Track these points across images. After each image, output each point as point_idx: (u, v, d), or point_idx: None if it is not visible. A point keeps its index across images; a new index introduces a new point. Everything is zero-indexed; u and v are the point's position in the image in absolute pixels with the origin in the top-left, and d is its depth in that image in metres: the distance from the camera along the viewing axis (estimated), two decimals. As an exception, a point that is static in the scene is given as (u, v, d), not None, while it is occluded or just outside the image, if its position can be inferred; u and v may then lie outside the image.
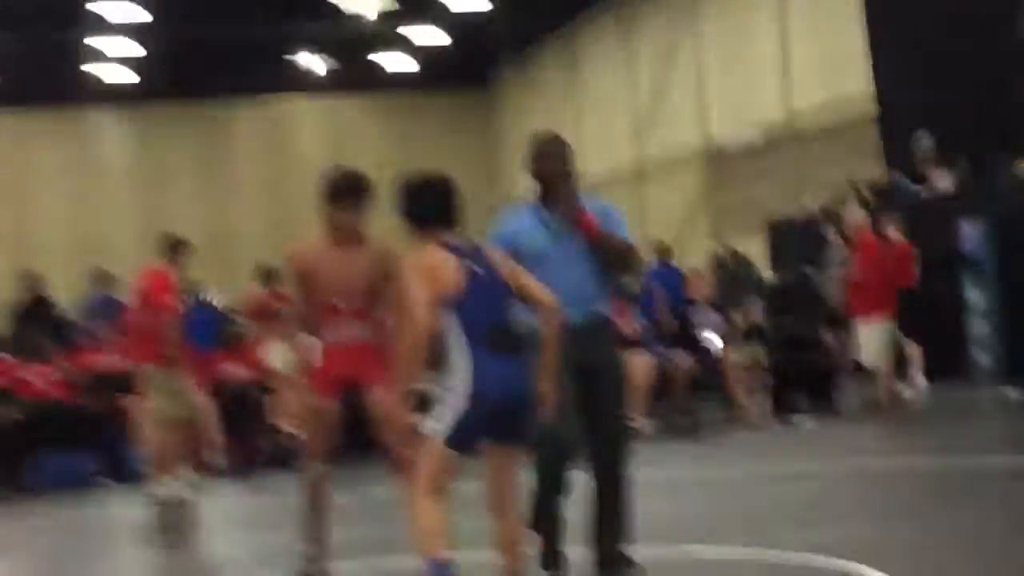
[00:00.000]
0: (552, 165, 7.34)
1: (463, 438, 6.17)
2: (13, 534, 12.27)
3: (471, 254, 6.38)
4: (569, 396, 7.00)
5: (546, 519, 7.24)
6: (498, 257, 6.53)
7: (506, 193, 42.90)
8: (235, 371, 16.28)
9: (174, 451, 12.06)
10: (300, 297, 7.97)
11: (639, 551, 7.39)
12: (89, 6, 30.93)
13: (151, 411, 12.67)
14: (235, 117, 43.24)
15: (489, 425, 6.19)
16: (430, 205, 6.53)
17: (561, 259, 7.20)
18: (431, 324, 6.23)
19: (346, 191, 7.86)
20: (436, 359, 6.40)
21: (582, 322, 7.17)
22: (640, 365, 15.84)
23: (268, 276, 19.36)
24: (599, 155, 36.29)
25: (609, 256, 7.29)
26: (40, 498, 14.12)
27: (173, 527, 11.09)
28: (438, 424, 6.18)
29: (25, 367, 16.39)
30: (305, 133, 43.30)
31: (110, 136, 42.21)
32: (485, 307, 6.25)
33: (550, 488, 7.17)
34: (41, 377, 15.96)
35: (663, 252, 19.50)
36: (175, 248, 12.38)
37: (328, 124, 43.52)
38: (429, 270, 6.26)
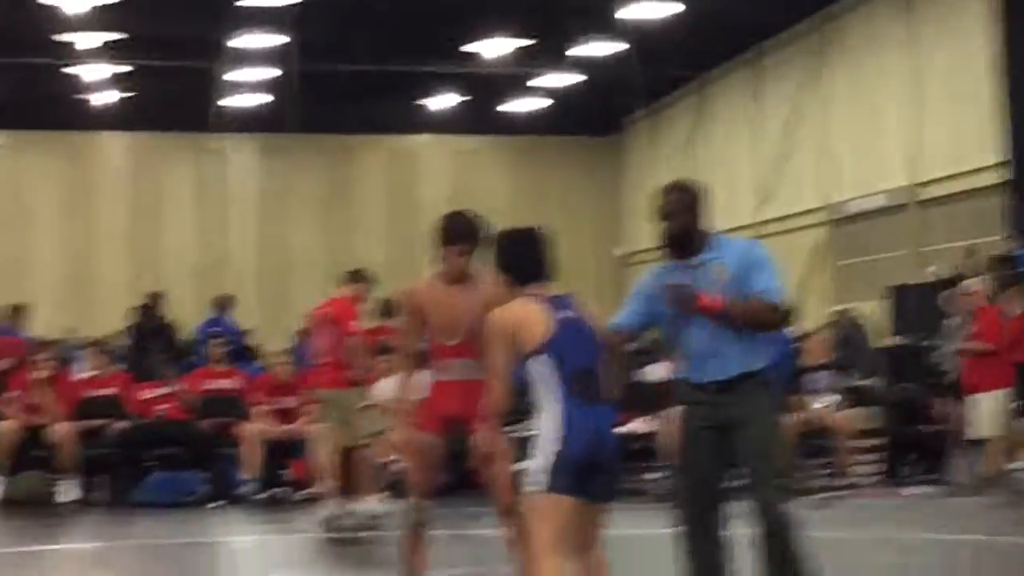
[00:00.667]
0: (673, 221, 7.22)
1: (558, 482, 6.19)
2: (118, 551, 12.44)
3: (561, 303, 6.46)
4: (703, 456, 7.04)
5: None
6: (590, 310, 6.61)
7: (634, 241, 42.92)
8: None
9: (347, 474, 13.06)
10: (411, 334, 8.08)
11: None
12: (228, 39, 31.39)
13: (328, 434, 13.18)
14: (360, 151, 43.68)
15: (577, 474, 6.21)
16: (524, 258, 6.64)
17: (694, 318, 7.09)
18: (507, 388, 6.40)
19: (459, 234, 7.96)
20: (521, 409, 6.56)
21: (720, 380, 7.09)
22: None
23: (387, 310, 19.55)
24: (720, 211, 36.09)
25: (746, 324, 7.07)
26: (145, 514, 14.31)
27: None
28: (534, 477, 6.22)
29: (140, 384, 16.67)
30: (430, 172, 43.59)
31: (237, 163, 42.83)
32: (572, 354, 6.32)
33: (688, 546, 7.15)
34: (154, 395, 16.20)
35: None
36: (359, 278, 13.01)
37: (454, 164, 43.81)
38: (516, 321, 6.35)
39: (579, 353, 6.36)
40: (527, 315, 6.37)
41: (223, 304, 21.95)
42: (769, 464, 7.10)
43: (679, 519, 7.18)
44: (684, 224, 7.20)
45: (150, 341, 19.32)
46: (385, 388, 16.03)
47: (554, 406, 6.25)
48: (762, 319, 7.14)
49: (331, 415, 13.38)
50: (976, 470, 16.32)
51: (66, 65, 34.24)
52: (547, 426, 6.24)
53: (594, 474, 6.27)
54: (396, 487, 15.26)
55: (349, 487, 13.32)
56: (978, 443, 15.62)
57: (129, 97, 37.78)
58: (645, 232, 41.57)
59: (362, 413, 13.17)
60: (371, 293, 13.77)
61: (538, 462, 6.22)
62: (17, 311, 20.11)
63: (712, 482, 7.13)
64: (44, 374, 15.51)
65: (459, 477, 14.59)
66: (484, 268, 7.94)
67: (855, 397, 17.16)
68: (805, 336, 18.11)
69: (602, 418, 6.35)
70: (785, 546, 7.01)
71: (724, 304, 7.02)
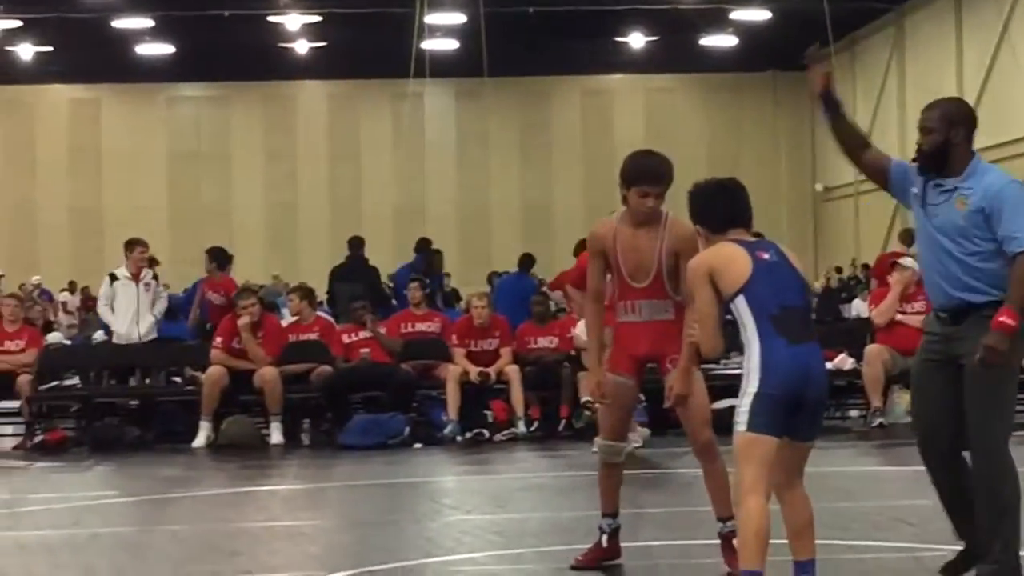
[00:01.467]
0: (928, 136, 7.00)
1: (763, 421, 6.17)
2: (324, 492, 12.69)
3: (761, 246, 6.46)
4: (931, 391, 7.00)
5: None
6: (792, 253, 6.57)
7: (832, 176, 42.32)
8: (544, 342, 16.47)
9: None
10: (596, 275, 8.02)
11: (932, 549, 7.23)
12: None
13: None
14: (554, 93, 43.68)
15: (779, 412, 6.19)
16: (720, 208, 6.62)
17: (929, 234, 6.97)
18: (713, 331, 6.39)
19: (640, 175, 7.85)
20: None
21: (944, 307, 6.96)
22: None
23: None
24: (922, 142, 35.47)
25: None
26: (350, 456, 14.55)
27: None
28: (738, 416, 6.22)
29: (341, 328, 16.92)
30: (625, 111, 43.44)
31: (434, 108, 43.10)
32: (775, 293, 6.28)
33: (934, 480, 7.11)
34: (356, 339, 16.42)
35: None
36: None
37: (648, 103, 43.59)
38: (715, 263, 6.32)
39: (781, 292, 6.33)
40: (726, 257, 6.37)
41: (424, 248, 22.14)
42: (984, 409, 6.86)
43: (920, 451, 7.15)
44: (937, 142, 6.97)
45: (353, 286, 19.59)
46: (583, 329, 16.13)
47: (756, 345, 6.25)
48: None
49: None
50: None
51: (269, 14, 34.82)
52: (750, 365, 6.26)
53: (798, 412, 6.25)
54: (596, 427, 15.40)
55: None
56: None
57: (327, 45, 38.28)
58: (843, 168, 40.99)
59: None
60: None
61: (742, 401, 6.23)
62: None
63: (942, 417, 6.99)
64: (249, 319, 15.81)
65: (657, 417, 14.68)
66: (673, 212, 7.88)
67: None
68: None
69: (809, 356, 6.32)
70: (995, 497, 6.85)
71: (1015, 312, 6.71)
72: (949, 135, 6.96)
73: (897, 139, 37.00)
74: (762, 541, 6.12)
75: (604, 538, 8.05)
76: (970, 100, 33.72)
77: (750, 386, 6.22)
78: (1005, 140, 32.37)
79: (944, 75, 35.35)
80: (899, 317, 15.36)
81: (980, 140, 24.82)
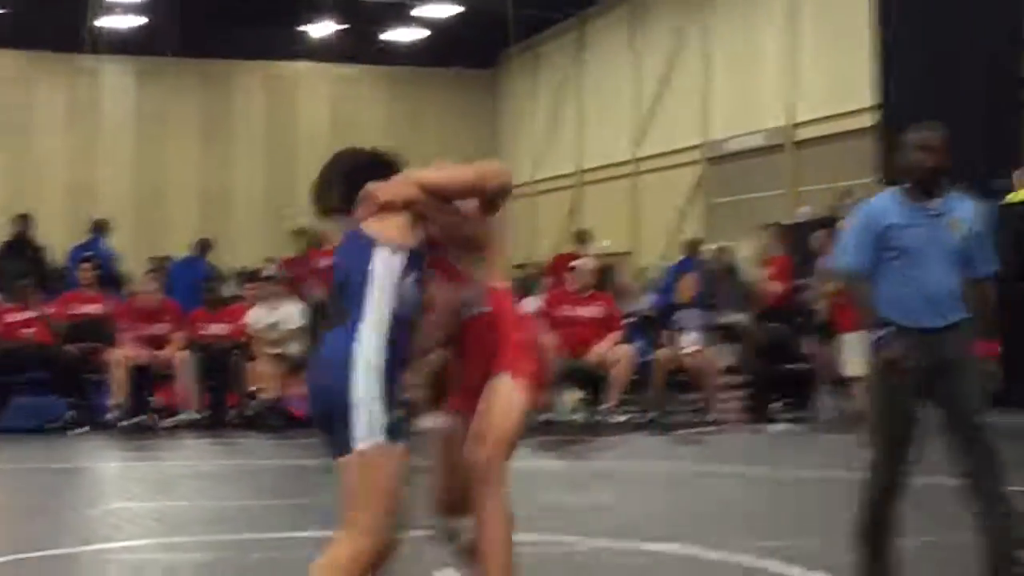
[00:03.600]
0: (933, 156, 6.91)
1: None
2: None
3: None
4: (908, 409, 6.89)
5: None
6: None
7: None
8: (215, 329, 16.26)
9: None
10: None
11: (589, 543, 7.37)
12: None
13: None
14: (238, 77, 43.17)
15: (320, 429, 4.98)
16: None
17: (927, 259, 6.91)
18: None
19: None
20: None
21: (941, 326, 6.90)
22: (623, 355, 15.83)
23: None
24: (599, 146, 36.25)
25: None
26: (8, 439, 14.10)
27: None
28: None
29: (5, 307, 16.36)
30: (307, 99, 43.22)
31: (112, 85, 42.13)
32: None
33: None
34: (20, 318, 15.92)
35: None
36: None
37: (332, 92, 43.45)
38: None
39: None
40: None
41: (100, 228, 21.54)
42: (977, 420, 7.03)
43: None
44: (941, 164, 6.96)
45: (18, 264, 18.96)
46: (255, 317, 15.98)
47: None
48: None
49: None
50: (845, 409, 16.64)
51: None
52: None
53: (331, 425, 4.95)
54: (266, 415, 15.26)
55: None
56: (848, 381, 15.86)
57: (1, 14, 37.03)
58: (521, 166, 41.64)
59: None
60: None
61: None
62: None
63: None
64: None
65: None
66: None
67: (724, 335, 17.29)
68: (679, 274, 18.25)
69: (326, 348, 4.97)
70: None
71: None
72: (948, 159, 6.99)
73: (574, 138, 37.76)
74: None
75: None
76: (642, 108, 34.70)
77: None
78: (675, 148, 33.37)
79: (618, 83, 36.23)
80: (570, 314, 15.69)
81: (652, 148, 25.76)
